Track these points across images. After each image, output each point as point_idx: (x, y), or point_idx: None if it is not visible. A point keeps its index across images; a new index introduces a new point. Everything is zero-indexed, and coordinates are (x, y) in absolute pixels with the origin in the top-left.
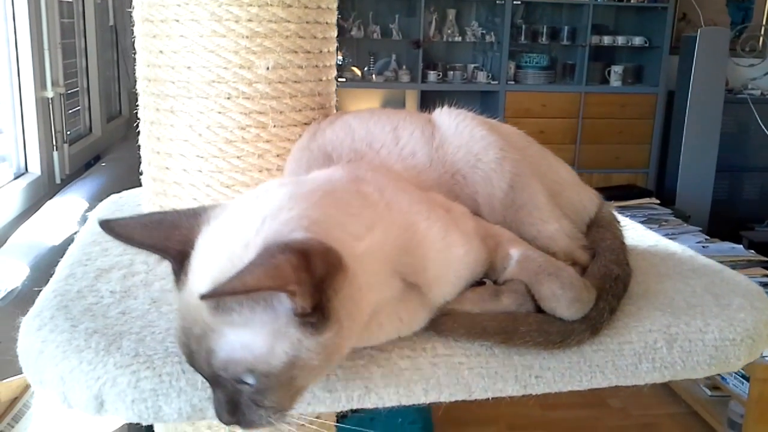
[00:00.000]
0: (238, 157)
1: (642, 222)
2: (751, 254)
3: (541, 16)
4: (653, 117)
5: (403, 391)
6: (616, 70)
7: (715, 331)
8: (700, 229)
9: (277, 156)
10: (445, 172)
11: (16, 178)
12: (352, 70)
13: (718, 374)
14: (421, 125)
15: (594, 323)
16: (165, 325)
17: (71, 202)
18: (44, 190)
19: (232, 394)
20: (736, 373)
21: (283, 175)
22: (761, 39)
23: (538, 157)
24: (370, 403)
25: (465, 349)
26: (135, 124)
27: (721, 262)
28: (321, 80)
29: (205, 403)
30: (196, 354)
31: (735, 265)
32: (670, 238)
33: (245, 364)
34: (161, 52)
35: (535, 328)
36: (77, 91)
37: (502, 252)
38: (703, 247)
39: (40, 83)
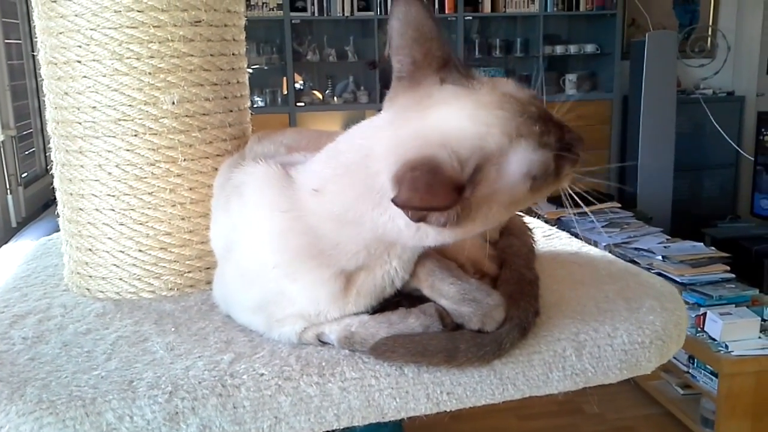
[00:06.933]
0: (149, 194)
1: (604, 226)
2: (712, 251)
3: (495, 29)
4: (610, 122)
5: (314, 419)
6: (571, 78)
7: (623, 335)
8: (662, 229)
9: (190, 189)
10: None
11: None
12: (313, 94)
13: (666, 368)
14: None
15: (521, 324)
16: (73, 368)
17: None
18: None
19: None
20: (704, 370)
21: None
22: (709, 39)
23: None
24: None
25: (374, 371)
26: None
27: (683, 261)
28: (231, 111)
29: None
30: None
31: (697, 263)
32: (633, 240)
33: None
34: (66, 93)
35: (472, 342)
36: (31, 132)
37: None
38: (665, 247)
39: None
